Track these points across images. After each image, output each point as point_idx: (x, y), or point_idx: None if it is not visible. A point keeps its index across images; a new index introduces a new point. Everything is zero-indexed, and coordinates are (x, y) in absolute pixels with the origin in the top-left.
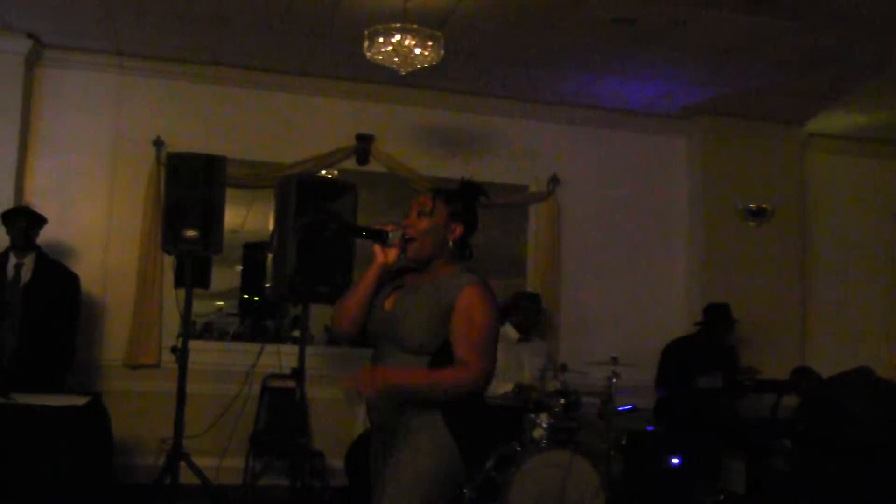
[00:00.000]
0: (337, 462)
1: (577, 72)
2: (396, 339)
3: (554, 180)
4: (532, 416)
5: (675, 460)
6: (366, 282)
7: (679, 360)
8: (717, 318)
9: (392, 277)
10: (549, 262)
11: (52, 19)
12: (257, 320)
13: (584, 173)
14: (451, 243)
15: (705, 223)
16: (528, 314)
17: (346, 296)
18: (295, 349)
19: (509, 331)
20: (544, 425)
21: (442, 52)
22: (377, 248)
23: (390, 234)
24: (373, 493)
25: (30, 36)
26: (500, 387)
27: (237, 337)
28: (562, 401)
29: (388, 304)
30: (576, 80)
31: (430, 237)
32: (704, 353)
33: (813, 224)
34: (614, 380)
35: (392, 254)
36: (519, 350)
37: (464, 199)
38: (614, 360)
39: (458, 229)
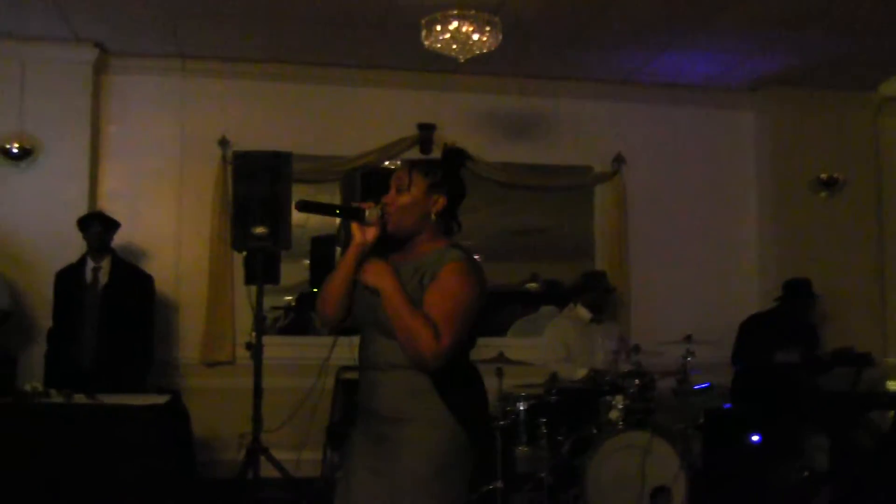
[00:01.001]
0: None
1: (639, 48)
2: (378, 323)
3: (619, 160)
4: (607, 398)
5: (755, 438)
6: (345, 264)
7: (757, 335)
8: (797, 293)
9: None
10: (617, 243)
11: (116, 27)
12: (303, 313)
13: (649, 151)
14: (433, 216)
15: (776, 197)
16: (599, 293)
17: (327, 280)
18: None
19: (581, 312)
20: (620, 407)
21: (500, 36)
22: (355, 228)
23: (367, 212)
24: (348, 489)
25: (96, 45)
26: (576, 372)
27: (283, 331)
28: (636, 382)
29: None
30: (638, 57)
31: (409, 212)
32: (783, 329)
33: (889, 192)
34: (689, 358)
35: (371, 233)
36: (592, 332)
37: (445, 168)
38: (688, 339)
39: (441, 200)
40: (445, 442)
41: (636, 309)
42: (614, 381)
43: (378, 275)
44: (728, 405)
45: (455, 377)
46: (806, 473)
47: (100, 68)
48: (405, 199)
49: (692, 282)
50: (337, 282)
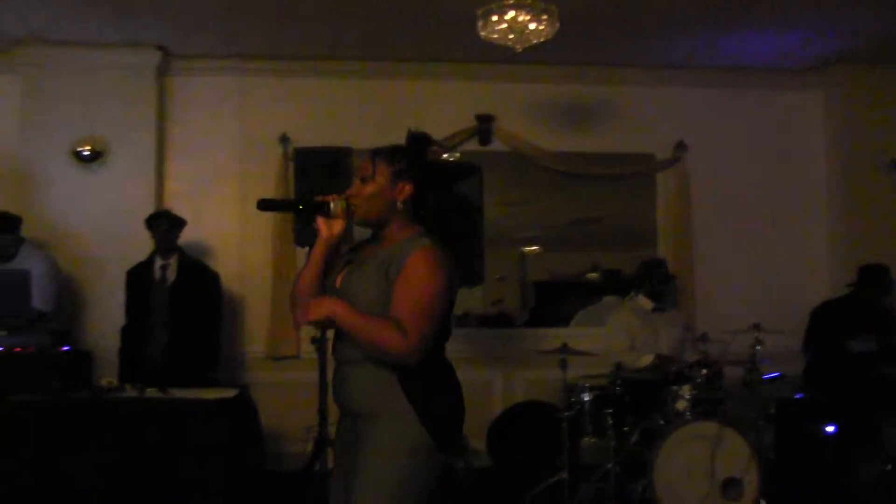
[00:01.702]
0: (478, 443)
1: (699, 31)
2: None
3: (681, 146)
4: (674, 388)
5: (829, 428)
6: (313, 261)
7: (829, 322)
8: (873, 279)
9: (352, 250)
10: (681, 230)
11: (178, 30)
12: None
13: (712, 136)
14: (400, 204)
15: (847, 180)
16: (658, 281)
17: (298, 278)
18: None
19: (642, 301)
20: (687, 397)
21: (557, 25)
22: (321, 222)
23: (332, 205)
24: (334, 484)
25: (159, 48)
26: (640, 359)
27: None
28: (703, 371)
29: (338, 282)
30: (697, 40)
31: (374, 202)
32: (857, 316)
33: None
34: (758, 347)
35: (337, 226)
36: (654, 320)
37: (409, 154)
38: (756, 327)
39: (407, 188)
40: (405, 439)
41: (702, 297)
42: (680, 370)
43: (319, 307)
44: (800, 395)
45: (422, 372)
46: (889, 467)
47: (163, 71)
48: (370, 188)
49: (759, 269)
50: (307, 280)
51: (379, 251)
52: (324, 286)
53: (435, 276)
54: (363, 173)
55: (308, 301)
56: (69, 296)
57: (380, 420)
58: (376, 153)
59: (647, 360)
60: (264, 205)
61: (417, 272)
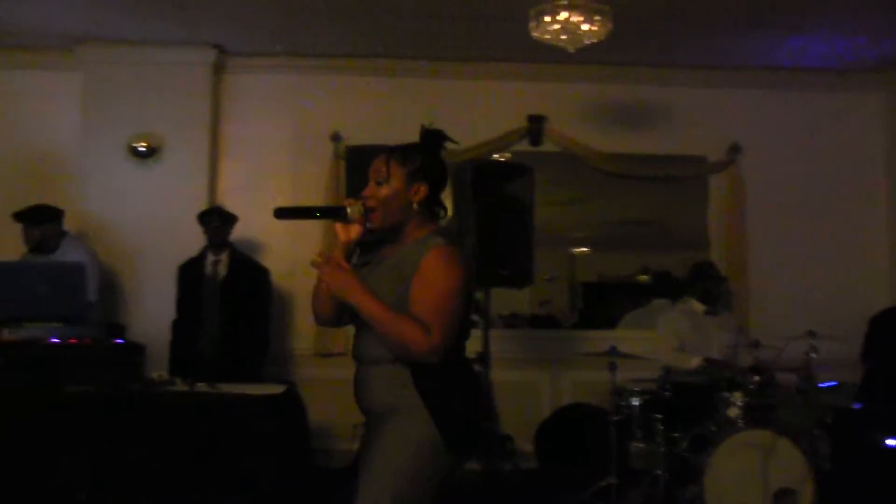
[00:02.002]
0: (526, 445)
1: (755, 31)
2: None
3: (734, 149)
4: (725, 394)
5: (891, 441)
6: None
7: (890, 330)
8: None
9: (366, 251)
10: (734, 233)
11: (234, 28)
12: None
13: (767, 139)
14: (415, 205)
15: None
16: (709, 283)
17: (319, 282)
18: (477, 333)
19: (694, 304)
20: (739, 404)
21: (610, 25)
22: (338, 227)
23: (349, 210)
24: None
25: (215, 46)
26: (688, 361)
27: None
28: (755, 378)
29: None
30: (754, 41)
31: (391, 205)
32: None
33: None
34: (813, 355)
35: (354, 230)
36: (706, 324)
37: (423, 153)
38: (811, 334)
39: (422, 189)
40: (411, 434)
41: (755, 302)
42: (732, 376)
43: (344, 290)
44: (858, 405)
45: (438, 370)
46: None
47: (218, 69)
48: (385, 191)
49: (815, 274)
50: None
51: (395, 252)
52: None
53: (452, 274)
54: (377, 176)
55: (333, 277)
56: (120, 289)
57: (392, 415)
58: (390, 154)
59: (695, 361)
60: (281, 213)
61: (434, 272)
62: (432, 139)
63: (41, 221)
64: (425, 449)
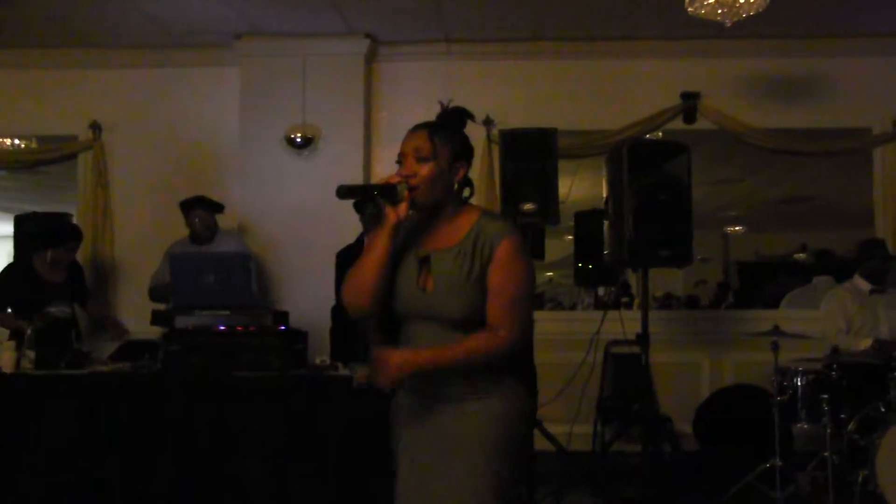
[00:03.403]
0: (685, 426)
1: None
2: (437, 316)
3: None
4: (895, 374)
5: None
6: (379, 248)
7: None
8: None
9: (399, 236)
10: None
11: (385, 17)
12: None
13: None
14: (455, 185)
15: None
16: (878, 261)
17: (361, 268)
18: (634, 315)
19: (860, 283)
20: None
21: None
22: (388, 207)
23: (399, 188)
24: (400, 466)
25: (367, 35)
26: (858, 343)
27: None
28: None
29: (421, 281)
30: None
31: (435, 184)
32: None
33: None
34: None
35: (402, 209)
36: (873, 303)
37: (460, 133)
38: None
39: (463, 170)
40: (510, 412)
41: None
42: None
43: (402, 367)
44: None
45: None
46: None
47: (370, 58)
48: (430, 169)
49: None
50: (376, 269)
51: (444, 240)
52: (391, 280)
53: (528, 262)
54: (419, 153)
55: (380, 367)
56: (280, 277)
57: (487, 398)
58: (434, 131)
59: (865, 343)
60: (344, 191)
61: (514, 262)
62: (459, 117)
63: (214, 209)
64: (523, 420)
